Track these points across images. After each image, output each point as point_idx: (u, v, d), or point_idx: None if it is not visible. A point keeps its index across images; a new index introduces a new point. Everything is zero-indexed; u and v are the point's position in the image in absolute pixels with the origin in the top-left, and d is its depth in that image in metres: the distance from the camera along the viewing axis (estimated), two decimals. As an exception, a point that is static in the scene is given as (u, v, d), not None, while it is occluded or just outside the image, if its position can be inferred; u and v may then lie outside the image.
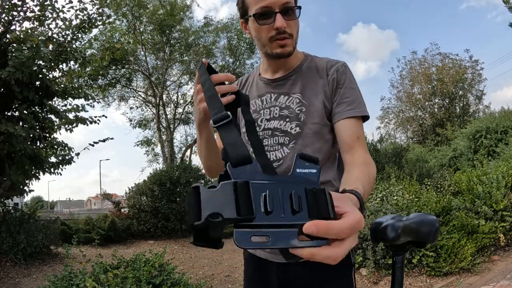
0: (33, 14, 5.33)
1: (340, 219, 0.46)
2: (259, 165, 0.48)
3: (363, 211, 0.71)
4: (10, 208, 6.56)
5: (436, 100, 20.10)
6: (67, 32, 5.48)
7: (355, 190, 0.72)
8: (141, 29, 15.59)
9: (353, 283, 1.04)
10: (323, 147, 1.03)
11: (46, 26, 5.40)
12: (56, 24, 5.43)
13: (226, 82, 0.81)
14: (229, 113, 0.59)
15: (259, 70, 1.18)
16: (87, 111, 7.75)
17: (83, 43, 6.06)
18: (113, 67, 15.00)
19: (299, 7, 0.99)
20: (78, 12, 5.49)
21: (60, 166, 6.05)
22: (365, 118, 1.02)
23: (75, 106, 6.00)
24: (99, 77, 13.14)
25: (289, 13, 0.96)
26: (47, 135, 5.88)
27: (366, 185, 0.82)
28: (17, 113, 5.35)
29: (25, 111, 5.07)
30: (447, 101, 19.66)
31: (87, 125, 6.05)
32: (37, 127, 5.44)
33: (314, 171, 0.50)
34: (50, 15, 5.39)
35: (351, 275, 1.04)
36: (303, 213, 0.43)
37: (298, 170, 0.49)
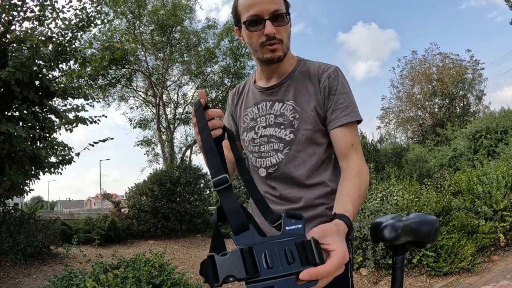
0: (33, 14, 5.32)
1: (328, 257, 0.60)
2: (255, 230, 0.59)
3: (351, 232, 0.78)
4: (10, 208, 6.57)
5: (436, 100, 20.12)
6: (67, 31, 5.48)
7: (345, 214, 0.79)
8: (141, 29, 15.57)
9: (349, 279, 1.05)
10: (316, 151, 1.07)
11: (46, 26, 5.39)
12: (56, 24, 5.42)
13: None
14: (227, 176, 0.66)
15: (254, 77, 1.21)
16: (87, 111, 7.76)
17: (83, 43, 6.05)
18: (113, 67, 14.98)
19: (289, 14, 1.02)
20: (77, 11, 5.49)
21: (60, 166, 6.05)
22: (359, 121, 1.05)
23: (75, 106, 6.00)
24: (99, 77, 13.13)
25: (278, 20, 0.99)
26: (47, 135, 5.88)
27: (356, 201, 0.89)
28: (17, 113, 5.35)
29: (25, 111, 5.06)
30: (447, 101, 19.67)
31: (87, 125, 6.05)
32: (37, 127, 5.43)
33: (300, 226, 0.61)
34: (50, 15, 5.39)
35: (347, 271, 1.05)
36: (296, 263, 0.54)
37: (287, 228, 0.60)
